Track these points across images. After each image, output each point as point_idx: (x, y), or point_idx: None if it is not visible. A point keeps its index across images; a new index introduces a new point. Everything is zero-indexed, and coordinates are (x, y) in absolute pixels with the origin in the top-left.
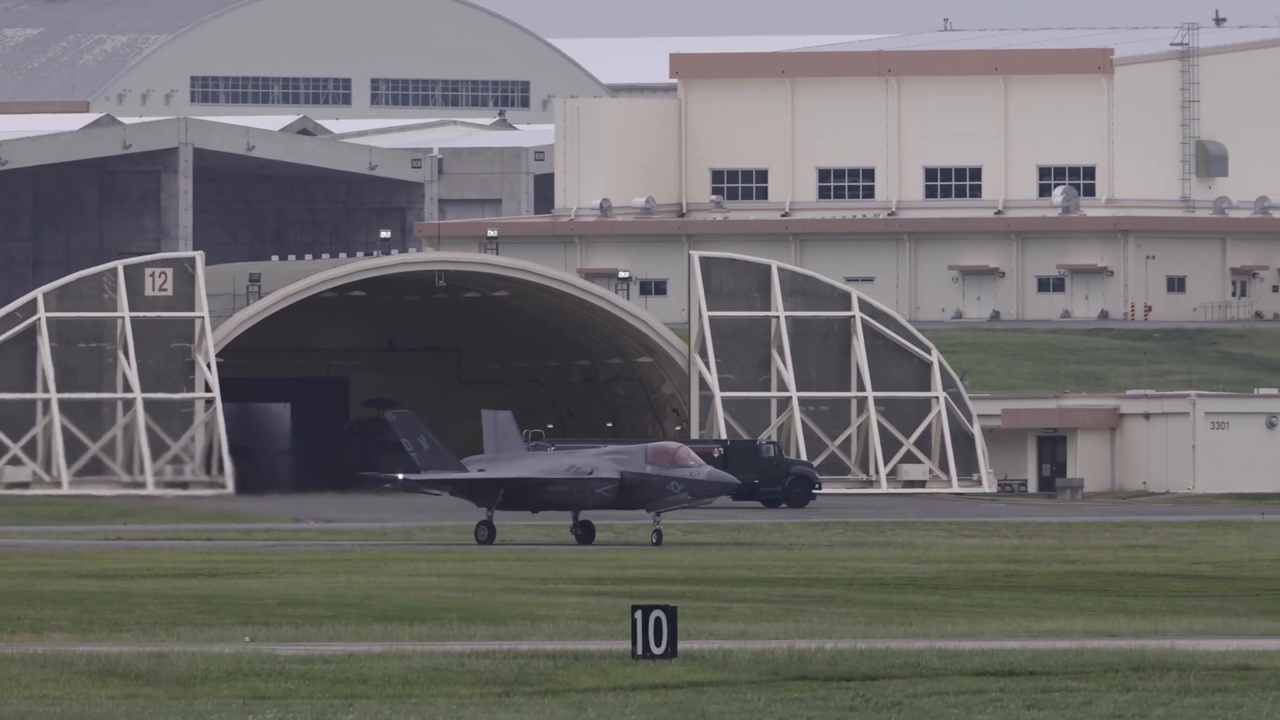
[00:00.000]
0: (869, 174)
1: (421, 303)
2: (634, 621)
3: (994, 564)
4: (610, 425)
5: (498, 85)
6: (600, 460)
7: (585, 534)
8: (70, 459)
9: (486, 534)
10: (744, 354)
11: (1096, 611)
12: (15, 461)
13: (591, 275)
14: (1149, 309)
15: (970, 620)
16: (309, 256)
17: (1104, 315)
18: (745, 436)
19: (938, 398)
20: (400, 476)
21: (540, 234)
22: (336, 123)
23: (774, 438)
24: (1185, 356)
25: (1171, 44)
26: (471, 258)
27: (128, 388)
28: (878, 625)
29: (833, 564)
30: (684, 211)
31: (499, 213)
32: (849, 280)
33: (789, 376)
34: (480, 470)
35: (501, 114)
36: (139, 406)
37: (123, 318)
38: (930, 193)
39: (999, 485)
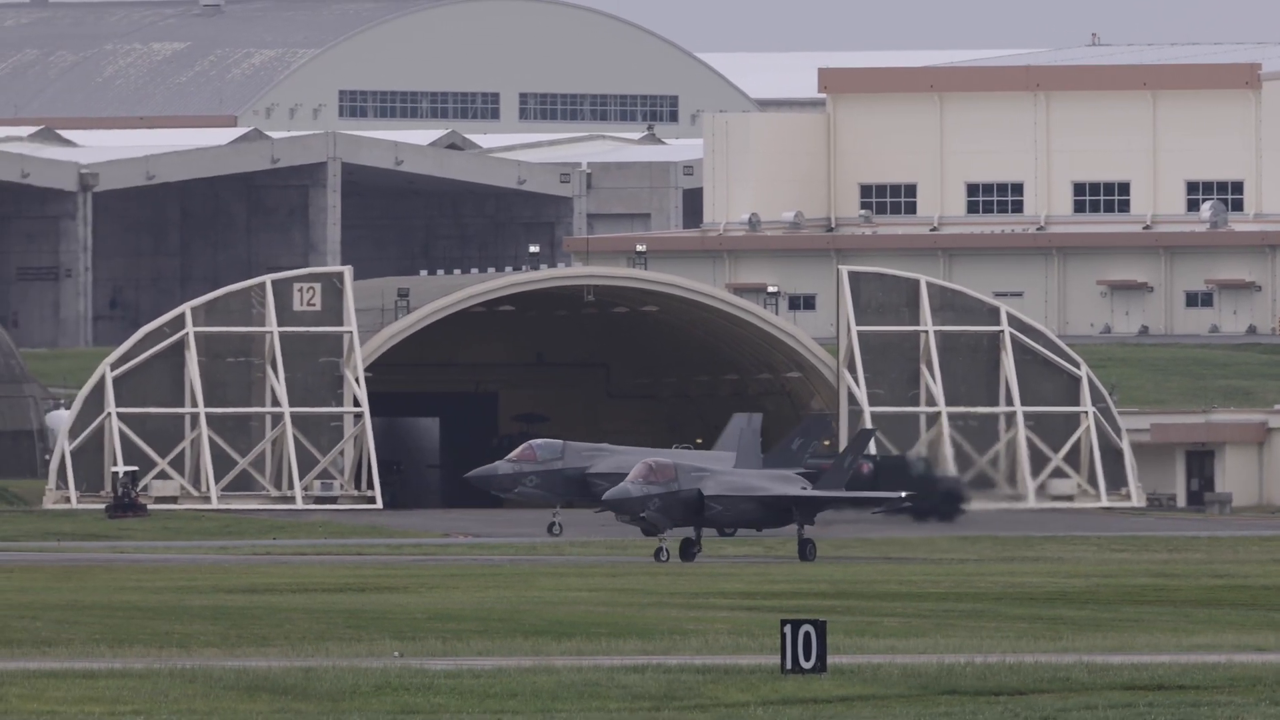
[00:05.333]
0: (1018, 189)
1: (570, 317)
2: (783, 636)
3: (1143, 578)
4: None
5: (646, 100)
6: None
7: (810, 551)
8: (219, 474)
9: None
10: (893, 369)
11: (1245, 626)
12: (163, 476)
13: (740, 290)
14: None
15: (1119, 634)
16: (457, 271)
17: (1252, 330)
18: (894, 452)
19: (1086, 413)
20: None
21: (689, 249)
22: (485, 137)
23: (923, 453)
24: None
25: None
26: (621, 272)
27: (276, 402)
28: (1027, 640)
29: (982, 578)
30: (833, 226)
31: (647, 227)
32: (997, 295)
33: (938, 391)
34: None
35: (650, 128)
36: (287, 421)
37: (271, 332)
38: (1079, 207)
39: (1147, 500)
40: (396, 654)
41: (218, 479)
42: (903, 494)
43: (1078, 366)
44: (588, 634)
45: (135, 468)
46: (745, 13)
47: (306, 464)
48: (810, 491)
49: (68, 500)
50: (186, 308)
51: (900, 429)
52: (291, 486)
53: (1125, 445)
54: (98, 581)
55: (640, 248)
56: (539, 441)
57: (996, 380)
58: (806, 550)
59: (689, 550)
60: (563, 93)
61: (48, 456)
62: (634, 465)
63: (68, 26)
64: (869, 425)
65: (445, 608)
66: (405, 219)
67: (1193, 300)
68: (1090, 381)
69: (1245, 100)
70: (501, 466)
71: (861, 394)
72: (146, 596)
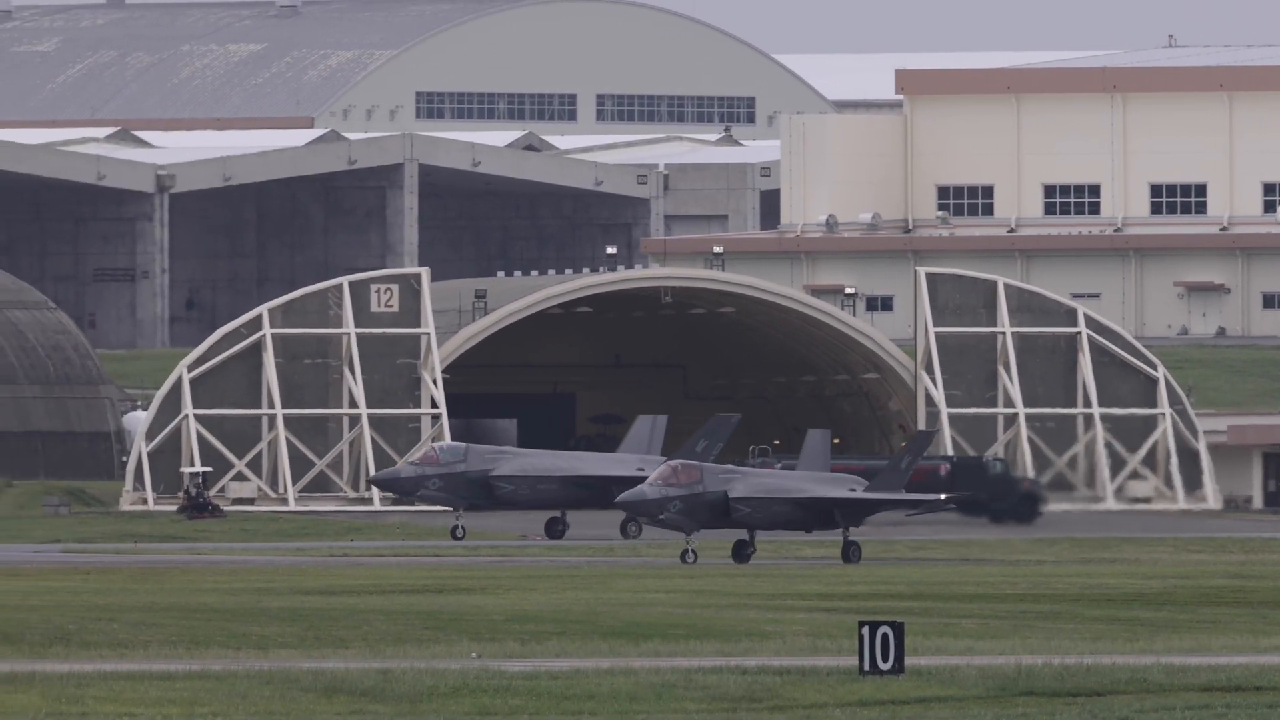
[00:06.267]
0: (1094, 190)
1: (647, 319)
2: (861, 637)
3: (1220, 579)
4: (837, 442)
5: (724, 101)
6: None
7: (854, 553)
8: (296, 475)
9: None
10: (970, 370)
11: None
12: (240, 478)
13: (817, 291)
14: None
15: (1196, 636)
16: (534, 273)
17: None
18: (972, 453)
19: (1163, 414)
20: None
21: (766, 250)
22: (562, 138)
23: (1000, 454)
24: None
25: None
26: (698, 274)
27: (353, 404)
28: (1104, 641)
29: (1059, 580)
30: (910, 227)
31: (725, 229)
32: (1074, 296)
33: (1015, 393)
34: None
35: (727, 130)
36: (365, 423)
37: (348, 334)
38: (1155, 209)
39: (1224, 501)
40: (474, 655)
41: (295, 480)
42: (942, 496)
43: (1155, 368)
44: (665, 635)
45: (208, 469)
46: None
47: (384, 465)
48: (844, 493)
49: (145, 502)
50: (264, 309)
51: (977, 430)
52: (369, 488)
53: (1202, 447)
54: (175, 583)
55: (717, 249)
56: (442, 444)
57: (1074, 382)
58: (850, 552)
59: (742, 551)
60: (640, 94)
61: (125, 458)
62: (539, 467)
63: (144, 28)
64: (946, 426)
65: (523, 609)
66: (482, 220)
67: (1270, 301)
68: (1167, 383)
69: None
70: (404, 469)
71: (939, 395)
72: (224, 598)
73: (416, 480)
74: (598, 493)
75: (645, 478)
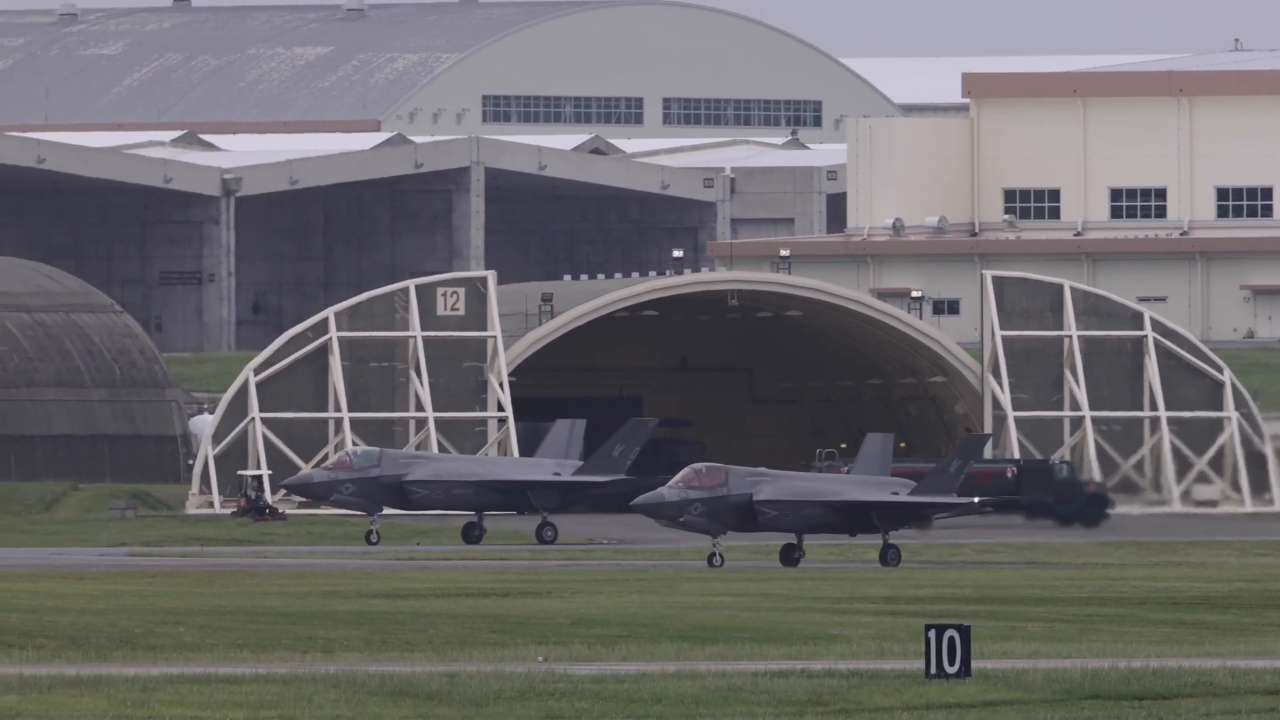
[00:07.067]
0: (1160, 194)
1: (714, 322)
2: (928, 641)
3: None
4: (904, 445)
5: (790, 104)
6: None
7: (892, 557)
8: None
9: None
10: (1036, 374)
11: None
12: None
13: (884, 295)
14: None
15: (1263, 639)
16: (601, 276)
17: None
18: (1038, 456)
19: (1230, 418)
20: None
21: (833, 253)
22: (628, 142)
23: (1067, 457)
24: None
25: None
26: (765, 277)
27: (419, 407)
28: (1170, 644)
29: (1125, 583)
30: (976, 231)
31: (791, 232)
32: (1141, 300)
33: (1082, 396)
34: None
35: (794, 133)
36: (431, 426)
37: (415, 337)
38: (1222, 212)
39: None
40: (540, 659)
41: None
42: (975, 499)
43: (1221, 371)
44: (732, 639)
45: (267, 471)
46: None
47: None
48: (881, 497)
49: (211, 505)
50: (330, 312)
51: (1044, 434)
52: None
53: (1269, 450)
54: (241, 586)
55: (784, 252)
56: (356, 449)
57: (1140, 385)
58: (888, 556)
59: (790, 555)
60: (706, 97)
61: (191, 461)
62: (453, 471)
63: (210, 31)
64: (1013, 429)
65: (589, 612)
66: (548, 224)
67: None
68: (1234, 386)
69: None
70: (317, 474)
71: (1005, 399)
72: (290, 601)
73: (329, 485)
74: (513, 496)
75: (562, 482)
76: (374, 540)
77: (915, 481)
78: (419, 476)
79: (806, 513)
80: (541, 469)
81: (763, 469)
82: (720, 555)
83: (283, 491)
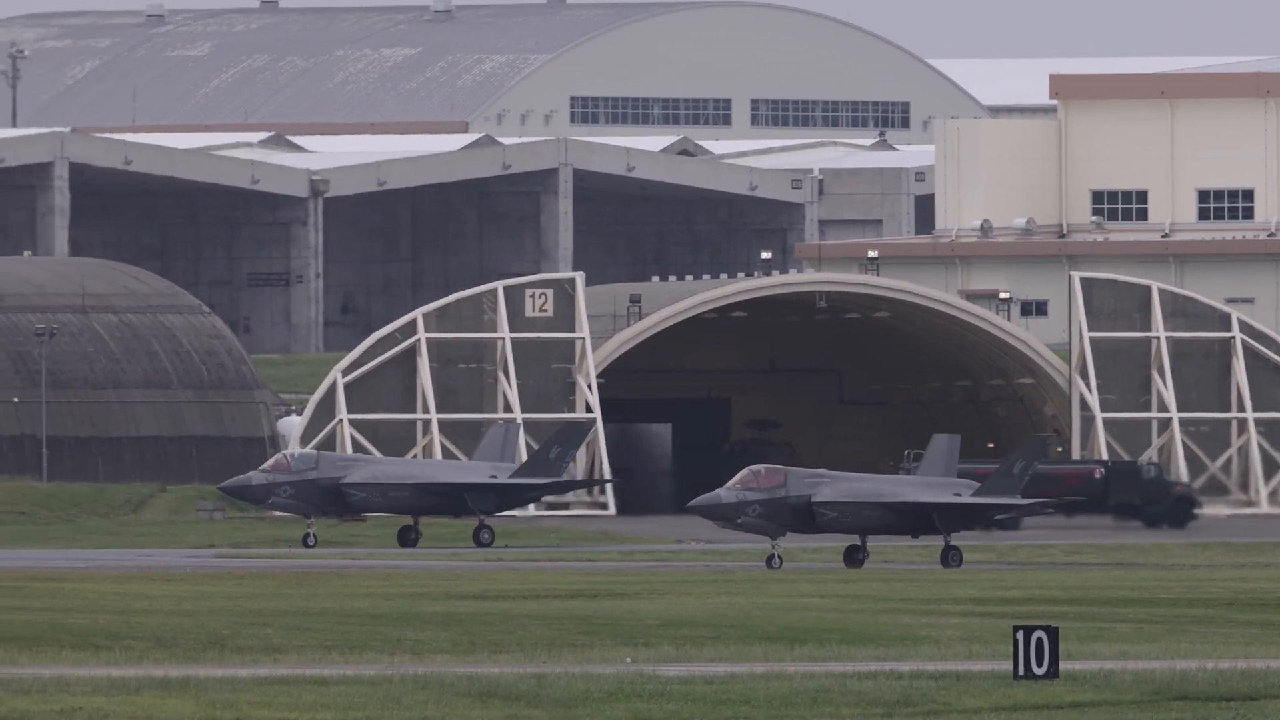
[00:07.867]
0: (1248, 195)
1: (802, 324)
2: (1015, 642)
3: None
4: (991, 446)
5: (878, 106)
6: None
7: (953, 558)
8: None
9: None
10: (1124, 375)
11: None
12: None
13: (972, 296)
14: None
15: None
16: (689, 277)
17: None
18: (1126, 457)
19: None
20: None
21: (921, 255)
22: (716, 143)
23: (1155, 458)
24: None
25: None
26: (853, 278)
27: (508, 408)
28: (1259, 645)
29: (1213, 584)
30: (1064, 232)
31: (879, 233)
32: (1229, 301)
33: (1169, 397)
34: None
35: (882, 134)
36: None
37: (503, 338)
38: None
39: None
40: (629, 660)
41: None
42: (1039, 500)
43: None
44: (820, 640)
45: None
46: (977, 19)
47: None
48: (942, 498)
49: None
50: (418, 313)
51: (1132, 435)
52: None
53: None
54: (329, 588)
55: (872, 254)
56: (293, 451)
57: (1228, 386)
58: (949, 557)
59: (854, 556)
60: (794, 99)
61: None
62: (391, 474)
63: (298, 32)
64: (1101, 431)
65: (677, 614)
66: (637, 225)
67: None
68: None
69: None
70: (255, 477)
71: (1094, 400)
72: (378, 603)
73: (267, 488)
74: (450, 500)
75: (499, 484)
76: (311, 543)
77: (978, 483)
78: (356, 479)
79: (866, 514)
80: (478, 472)
81: (822, 470)
82: (779, 557)
83: None
